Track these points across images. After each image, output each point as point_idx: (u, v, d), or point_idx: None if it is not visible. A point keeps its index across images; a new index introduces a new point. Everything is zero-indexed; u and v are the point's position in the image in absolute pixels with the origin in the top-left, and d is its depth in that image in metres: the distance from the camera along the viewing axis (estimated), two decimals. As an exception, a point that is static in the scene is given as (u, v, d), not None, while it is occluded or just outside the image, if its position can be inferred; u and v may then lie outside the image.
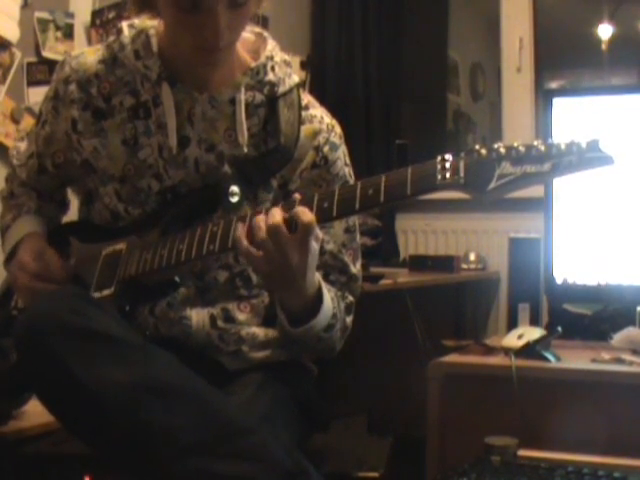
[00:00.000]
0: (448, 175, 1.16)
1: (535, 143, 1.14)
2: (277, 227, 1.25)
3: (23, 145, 1.64)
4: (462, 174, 1.16)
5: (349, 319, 1.53)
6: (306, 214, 1.25)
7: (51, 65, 2.35)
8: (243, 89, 1.45)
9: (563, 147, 1.12)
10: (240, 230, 1.29)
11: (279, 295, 1.40)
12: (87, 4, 2.51)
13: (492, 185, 1.14)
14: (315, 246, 1.29)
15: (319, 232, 1.29)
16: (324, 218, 1.26)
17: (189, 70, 1.44)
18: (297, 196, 1.31)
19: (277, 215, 1.26)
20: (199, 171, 1.46)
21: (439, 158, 1.18)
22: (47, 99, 1.55)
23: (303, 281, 1.32)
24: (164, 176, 1.47)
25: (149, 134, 1.46)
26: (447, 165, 1.17)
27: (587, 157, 1.11)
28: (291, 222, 1.26)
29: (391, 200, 1.21)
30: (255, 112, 1.47)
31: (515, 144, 1.15)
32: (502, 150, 1.15)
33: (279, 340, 1.49)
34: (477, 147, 1.17)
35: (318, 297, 1.38)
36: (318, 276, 1.39)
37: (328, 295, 1.42)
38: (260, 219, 1.27)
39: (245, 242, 1.28)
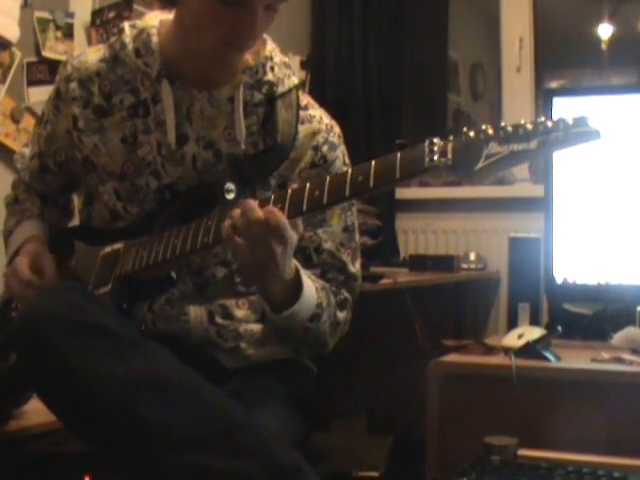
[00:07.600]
0: (436, 157, 1.16)
1: (522, 122, 1.14)
2: (258, 220, 1.26)
3: (27, 150, 1.66)
4: (450, 156, 1.16)
5: (342, 315, 1.53)
6: (275, 215, 1.26)
7: (51, 65, 2.35)
8: (242, 88, 1.46)
9: (550, 124, 1.12)
10: (229, 220, 1.30)
11: (260, 286, 1.40)
12: (87, 4, 2.50)
13: (480, 165, 1.14)
14: (294, 236, 1.30)
15: (300, 223, 1.30)
16: (316, 207, 1.27)
17: (189, 68, 1.45)
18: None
19: (256, 209, 1.27)
20: (196, 168, 1.47)
21: (427, 142, 1.18)
22: (49, 99, 1.58)
23: (283, 270, 1.33)
24: (162, 173, 1.47)
25: (148, 132, 1.47)
26: (435, 148, 1.17)
27: (573, 132, 1.11)
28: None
29: (381, 185, 1.21)
30: (254, 111, 1.48)
31: (503, 124, 1.15)
32: (490, 131, 1.15)
33: (276, 335, 1.49)
34: (465, 130, 1.17)
35: (298, 283, 1.39)
36: (295, 262, 1.40)
37: (312, 285, 1.43)
38: (237, 212, 1.28)
39: (230, 228, 1.28)
